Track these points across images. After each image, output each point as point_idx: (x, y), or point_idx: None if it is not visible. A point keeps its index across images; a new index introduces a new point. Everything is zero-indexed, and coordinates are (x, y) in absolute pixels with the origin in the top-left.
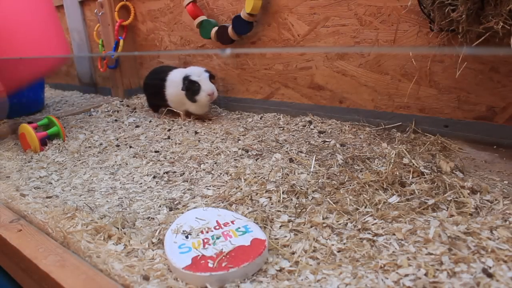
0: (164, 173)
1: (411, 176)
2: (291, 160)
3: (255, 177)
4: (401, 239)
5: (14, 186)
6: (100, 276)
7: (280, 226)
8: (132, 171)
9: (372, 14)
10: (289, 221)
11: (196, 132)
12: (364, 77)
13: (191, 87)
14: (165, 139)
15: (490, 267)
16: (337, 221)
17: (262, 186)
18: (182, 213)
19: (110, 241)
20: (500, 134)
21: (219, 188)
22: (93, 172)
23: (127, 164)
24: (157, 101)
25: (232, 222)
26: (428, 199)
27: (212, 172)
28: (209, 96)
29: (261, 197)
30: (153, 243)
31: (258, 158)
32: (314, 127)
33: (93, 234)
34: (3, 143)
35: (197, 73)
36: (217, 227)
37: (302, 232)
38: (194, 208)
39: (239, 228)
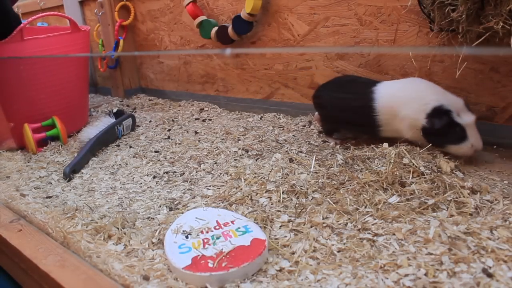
0: (164, 173)
1: (411, 176)
2: (291, 160)
3: (255, 177)
4: (401, 239)
5: (14, 186)
6: (100, 276)
7: (280, 226)
8: (132, 171)
9: (372, 14)
10: (289, 221)
11: (196, 132)
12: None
13: (448, 131)
14: (165, 139)
15: (490, 267)
16: (337, 221)
17: (262, 186)
18: (182, 213)
19: (110, 241)
20: (500, 134)
21: (219, 188)
22: (93, 172)
23: (127, 164)
24: (353, 128)
25: (232, 222)
26: (428, 199)
27: (212, 172)
28: (474, 151)
29: (261, 197)
30: (153, 243)
31: (258, 158)
32: (314, 127)
33: (93, 234)
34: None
35: (455, 105)
36: (217, 227)
37: (302, 232)
38: (194, 208)
39: (239, 228)
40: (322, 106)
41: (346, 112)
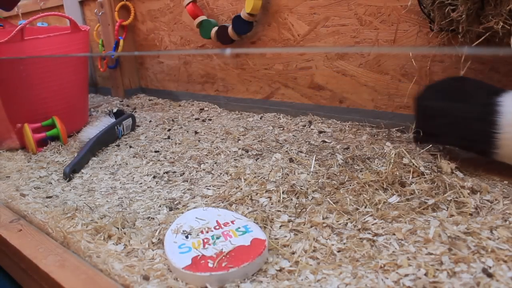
0: (164, 173)
1: (411, 176)
2: (291, 160)
3: (255, 177)
4: (401, 239)
5: (14, 186)
6: (100, 276)
7: (280, 226)
8: (132, 171)
9: (372, 14)
10: (289, 221)
11: (196, 132)
12: (364, 77)
13: None
14: (165, 139)
15: (490, 267)
16: (337, 221)
17: (262, 186)
18: (182, 213)
19: (110, 241)
20: None
21: (219, 188)
22: (93, 172)
23: (127, 164)
24: (461, 143)
25: (232, 222)
26: (428, 199)
27: (212, 172)
28: None
29: (261, 197)
30: (153, 243)
31: (258, 158)
32: (314, 127)
33: (93, 234)
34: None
35: None
36: (217, 227)
37: (302, 232)
38: (194, 208)
39: (239, 228)
40: (427, 110)
41: (456, 122)
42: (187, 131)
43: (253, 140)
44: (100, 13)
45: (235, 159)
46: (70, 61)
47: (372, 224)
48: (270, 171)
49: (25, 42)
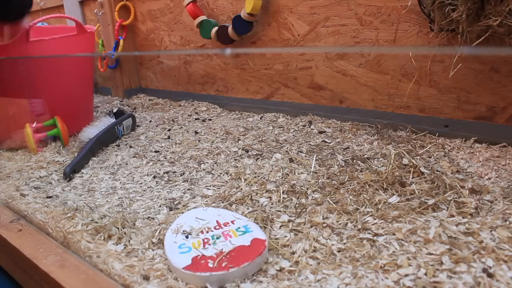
0: (164, 173)
1: (411, 176)
2: (291, 160)
3: (255, 177)
4: (401, 239)
5: (14, 186)
6: (100, 276)
7: (280, 226)
8: (132, 171)
9: (372, 14)
10: (289, 221)
11: (196, 132)
12: (364, 77)
13: None
14: (165, 139)
15: (490, 267)
16: (337, 221)
17: (262, 186)
18: (182, 213)
19: (110, 241)
20: (500, 134)
21: (219, 188)
22: (93, 172)
23: (127, 164)
24: None
25: (232, 222)
26: (428, 199)
27: (212, 172)
28: None
29: (261, 197)
30: (153, 243)
31: (258, 158)
32: (314, 127)
33: (93, 234)
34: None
35: None
36: (217, 227)
37: (302, 232)
38: (194, 208)
39: (239, 228)
40: None
41: None
42: (187, 131)
43: (253, 140)
44: (100, 13)
45: (235, 159)
46: (75, 63)
47: (372, 224)
48: (270, 171)
49: (30, 44)
